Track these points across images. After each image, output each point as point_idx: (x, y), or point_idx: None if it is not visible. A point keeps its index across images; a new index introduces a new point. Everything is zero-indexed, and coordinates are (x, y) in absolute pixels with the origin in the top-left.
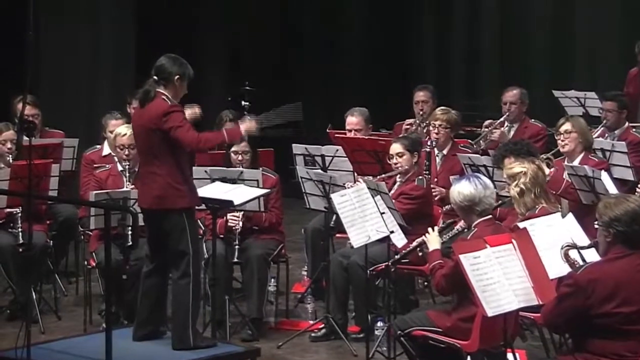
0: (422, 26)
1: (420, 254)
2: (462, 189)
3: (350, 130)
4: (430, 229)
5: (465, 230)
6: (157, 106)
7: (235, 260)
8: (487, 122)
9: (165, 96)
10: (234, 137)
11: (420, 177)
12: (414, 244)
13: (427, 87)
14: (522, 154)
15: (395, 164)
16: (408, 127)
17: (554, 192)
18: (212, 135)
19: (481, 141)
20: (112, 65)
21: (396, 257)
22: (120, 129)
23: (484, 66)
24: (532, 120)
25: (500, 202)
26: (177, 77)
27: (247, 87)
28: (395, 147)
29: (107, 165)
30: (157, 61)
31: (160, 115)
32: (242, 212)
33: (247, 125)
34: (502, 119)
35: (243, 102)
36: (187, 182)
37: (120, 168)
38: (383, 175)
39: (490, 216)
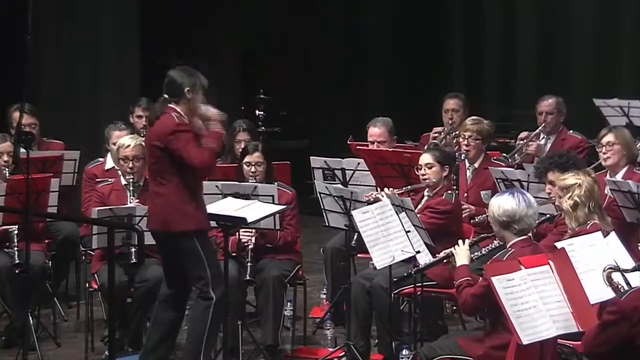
0: (451, 30)
1: (450, 266)
2: (503, 202)
3: (372, 142)
4: (460, 242)
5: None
6: (164, 123)
7: (248, 278)
8: (522, 135)
9: (177, 113)
10: (216, 137)
11: (449, 191)
12: (442, 254)
13: (458, 96)
14: (568, 168)
15: (423, 175)
16: (436, 135)
17: None
18: (211, 149)
19: (516, 155)
20: (115, 73)
21: (420, 266)
22: (124, 140)
23: (519, 72)
24: (571, 131)
25: (540, 220)
26: (187, 89)
27: (262, 96)
28: (425, 158)
29: (110, 180)
30: (166, 77)
31: (166, 132)
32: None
33: (209, 111)
34: (537, 131)
35: (257, 112)
36: (194, 203)
37: (124, 182)
38: (409, 188)
39: (527, 236)
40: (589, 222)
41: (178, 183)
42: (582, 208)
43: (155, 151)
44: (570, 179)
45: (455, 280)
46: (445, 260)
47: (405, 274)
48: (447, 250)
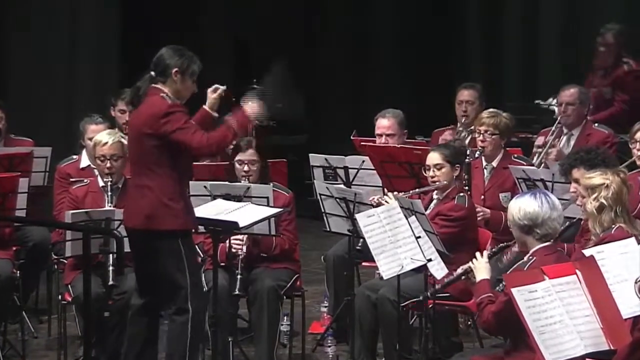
0: (467, 12)
1: (469, 283)
2: (524, 204)
3: (380, 135)
4: (478, 254)
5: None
6: (153, 105)
7: (237, 292)
8: (538, 142)
9: (165, 94)
10: (243, 123)
11: (461, 194)
12: (459, 270)
13: (473, 86)
14: (596, 165)
15: (432, 177)
16: (449, 135)
17: None
18: (221, 133)
19: (534, 159)
20: (93, 61)
21: (436, 287)
22: (101, 137)
23: (542, 60)
24: (596, 124)
25: (565, 225)
26: (175, 70)
27: (256, 86)
28: (433, 157)
29: (86, 180)
30: (160, 50)
31: (157, 116)
32: (247, 235)
33: (252, 106)
34: (555, 130)
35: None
36: (182, 201)
37: (101, 184)
38: (416, 190)
39: (550, 242)
40: (613, 226)
41: (168, 176)
42: (607, 211)
43: (144, 139)
44: (596, 178)
45: (475, 297)
46: (463, 277)
47: (421, 298)
48: (465, 266)
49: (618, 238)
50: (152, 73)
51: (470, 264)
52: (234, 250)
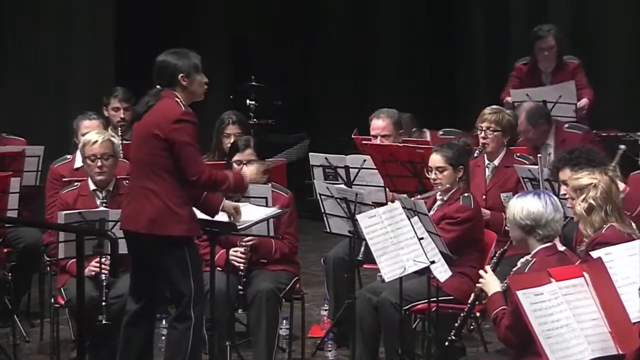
0: (471, 9)
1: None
2: (528, 204)
3: (375, 136)
4: (482, 272)
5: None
6: (167, 108)
7: (239, 311)
8: None
9: (178, 99)
10: (238, 186)
11: (466, 194)
12: (471, 299)
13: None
14: (579, 164)
15: (434, 180)
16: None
17: (627, 214)
18: (220, 178)
19: None
20: (88, 61)
21: (452, 334)
22: (90, 136)
23: None
24: (567, 126)
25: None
26: (181, 75)
27: (254, 83)
28: (436, 159)
29: (76, 184)
30: (155, 62)
31: (169, 119)
32: (247, 247)
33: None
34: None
35: (248, 101)
36: (188, 206)
37: (92, 187)
38: (419, 197)
39: (552, 243)
40: (604, 225)
41: (174, 181)
42: (598, 212)
43: (153, 140)
44: (584, 178)
45: (491, 313)
46: (477, 303)
47: (447, 344)
48: (474, 294)
49: (610, 237)
50: (158, 87)
51: (478, 285)
52: (234, 262)
